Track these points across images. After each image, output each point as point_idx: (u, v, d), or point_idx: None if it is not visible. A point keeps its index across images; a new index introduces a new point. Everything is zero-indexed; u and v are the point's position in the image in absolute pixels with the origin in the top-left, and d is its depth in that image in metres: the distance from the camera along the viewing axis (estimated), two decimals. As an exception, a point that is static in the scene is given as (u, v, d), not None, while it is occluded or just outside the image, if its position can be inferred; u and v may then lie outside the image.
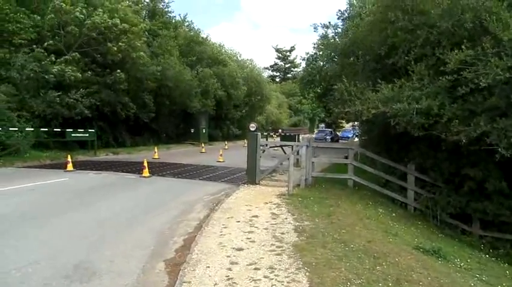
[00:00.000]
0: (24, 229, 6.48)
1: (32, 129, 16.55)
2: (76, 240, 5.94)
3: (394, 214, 9.23)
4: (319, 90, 21.39)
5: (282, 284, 4.31)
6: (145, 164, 12.53)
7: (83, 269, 4.76)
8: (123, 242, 5.89)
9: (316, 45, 14.81)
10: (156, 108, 26.04)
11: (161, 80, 25.77)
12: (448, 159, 9.69)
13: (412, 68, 9.24)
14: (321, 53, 15.80)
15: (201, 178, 12.54)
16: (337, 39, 13.94)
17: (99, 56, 20.55)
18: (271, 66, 73.58)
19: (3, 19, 17.55)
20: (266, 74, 64.73)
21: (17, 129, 15.75)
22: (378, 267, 5.03)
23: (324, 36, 15.49)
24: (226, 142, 30.64)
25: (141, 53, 22.05)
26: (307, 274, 4.60)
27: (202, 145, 26.03)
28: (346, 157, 11.89)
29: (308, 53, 21.11)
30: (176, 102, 28.49)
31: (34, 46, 17.63)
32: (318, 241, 5.88)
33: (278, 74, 74.50)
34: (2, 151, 15.21)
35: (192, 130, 31.92)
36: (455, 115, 8.30)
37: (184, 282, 4.34)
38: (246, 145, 18.21)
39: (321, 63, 19.29)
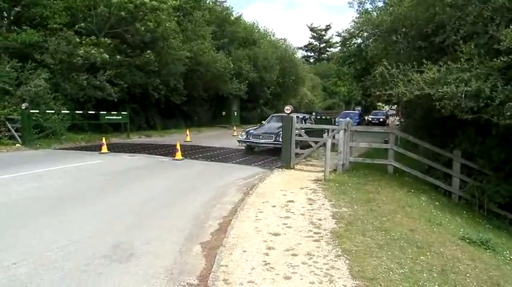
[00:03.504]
0: (64, 209, 6.64)
1: (68, 111, 16.81)
2: (114, 221, 6.03)
3: (437, 202, 8.76)
4: (358, 68, 20.44)
5: (321, 271, 4.18)
6: (178, 147, 12.56)
7: (122, 250, 4.81)
8: (159, 224, 5.92)
9: (355, 22, 13.99)
10: (188, 91, 25.86)
11: (193, 65, 25.43)
12: (499, 145, 9.06)
13: (460, 48, 8.59)
14: (361, 29, 14.94)
15: (233, 161, 12.46)
16: (377, 16, 13.16)
17: (129, 36, 20.34)
18: (305, 46, 68.94)
19: (36, 3, 17.69)
20: (300, 54, 61.32)
21: (53, 111, 16.00)
22: (421, 257, 4.81)
23: (365, 12, 14.67)
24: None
25: (168, 23, 21.43)
26: (346, 261, 4.46)
27: (234, 128, 25.83)
28: (386, 142, 11.42)
29: (346, 29, 20.14)
30: (208, 86, 28.31)
31: (64, 29, 17.58)
32: (357, 229, 5.68)
33: (312, 54, 69.90)
34: (40, 133, 15.54)
35: (224, 113, 31.87)
36: (509, 98, 7.66)
37: (221, 265, 4.31)
38: (279, 128, 17.90)
39: (360, 40, 18.42)
